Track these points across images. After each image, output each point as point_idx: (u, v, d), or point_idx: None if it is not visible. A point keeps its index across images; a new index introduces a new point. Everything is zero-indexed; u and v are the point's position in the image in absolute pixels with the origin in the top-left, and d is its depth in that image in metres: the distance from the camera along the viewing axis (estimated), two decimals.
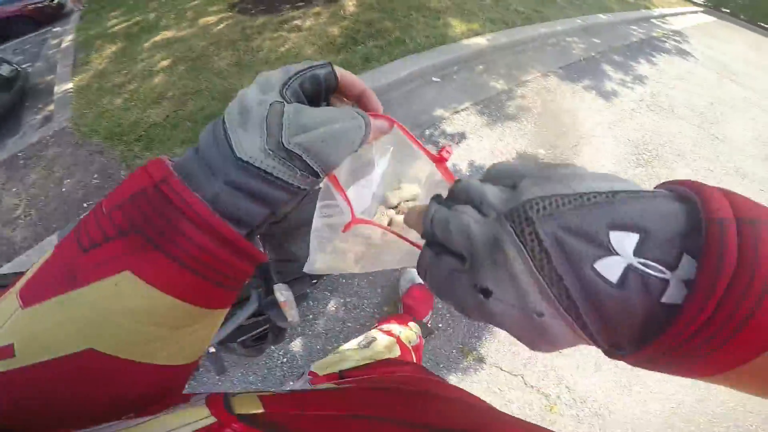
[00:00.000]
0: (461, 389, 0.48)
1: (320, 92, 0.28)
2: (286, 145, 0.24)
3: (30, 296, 0.22)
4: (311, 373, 0.66)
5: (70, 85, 3.76)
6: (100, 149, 2.79)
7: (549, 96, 3.10)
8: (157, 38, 4.11)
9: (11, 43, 7.21)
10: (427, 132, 2.58)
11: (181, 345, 0.26)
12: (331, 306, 1.68)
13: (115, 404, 0.24)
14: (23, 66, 4.63)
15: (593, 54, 3.87)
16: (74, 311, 0.22)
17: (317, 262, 0.35)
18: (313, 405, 0.31)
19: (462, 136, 2.59)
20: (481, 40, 3.38)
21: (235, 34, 3.68)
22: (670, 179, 0.21)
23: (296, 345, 1.60)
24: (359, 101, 0.32)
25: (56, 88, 3.83)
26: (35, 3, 7.85)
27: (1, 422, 0.21)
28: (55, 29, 7.12)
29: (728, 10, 7.49)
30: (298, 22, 3.69)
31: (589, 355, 1.60)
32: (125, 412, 0.25)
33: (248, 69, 3.15)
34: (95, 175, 2.61)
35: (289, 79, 0.26)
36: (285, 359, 1.55)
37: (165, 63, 3.50)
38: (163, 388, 0.27)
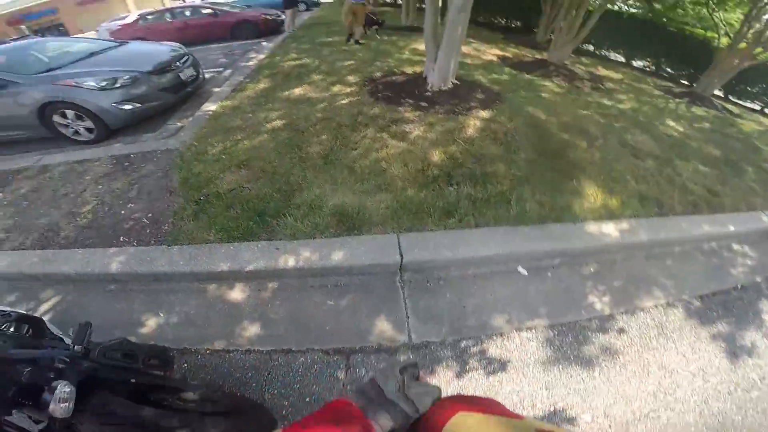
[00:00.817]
0: None
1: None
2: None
3: None
4: None
5: (214, 107, 4.20)
6: (173, 189, 2.86)
7: (653, 342, 1.95)
8: (295, 91, 4.32)
9: (234, 44, 9.12)
10: (463, 343, 1.84)
11: None
12: None
13: None
14: (205, 71, 5.58)
15: (758, 280, 2.40)
16: None
17: None
18: None
19: (501, 367, 1.77)
20: (610, 229, 2.45)
21: (346, 118, 3.54)
22: None
23: None
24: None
25: (204, 105, 4.35)
26: (268, 15, 9.82)
27: None
28: (263, 42, 8.69)
29: None
30: (407, 127, 3.34)
31: None
32: None
33: (328, 170, 2.85)
34: (149, 215, 2.65)
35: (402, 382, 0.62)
36: None
37: (277, 123, 3.56)
38: None
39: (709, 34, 7.88)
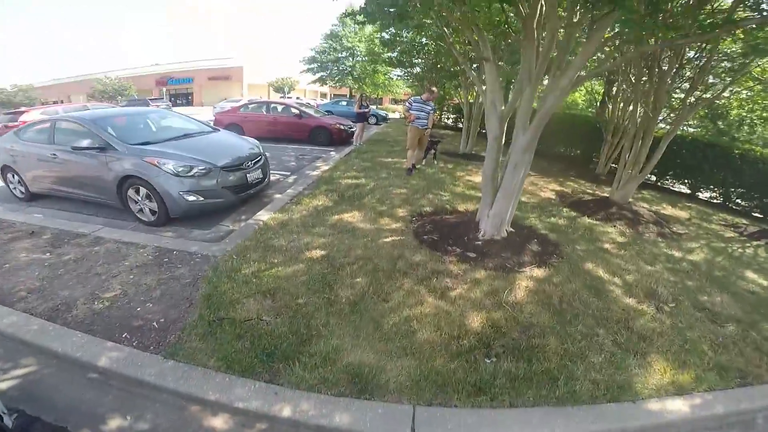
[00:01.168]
0: None
1: None
2: None
3: None
4: None
5: (266, 218, 4.35)
6: (194, 301, 2.78)
7: None
8: (344, 216, 4.38)
9: (308, 147, 10.04)
10: None
11: None
12: None
13: None
14: (273, 172, 6.10)
15: None
16: None
17: None
18: None
19: None
20: (678, 405, 2.12)
21: (386, 261, 3.36)
22: None
23: None
24: None
25: (259, 213, 4.55)
26: (342, 125, 10.98)
27: None
28: (332, 152, 9.54)
29: None
30: (449, 282, 3.10)
31: None
32: None
33: (353, 320, 2.60)
34: (161, 320, 2.57)
35: None
36: None
37: (317, 254, 3.49)
38: None
39: None
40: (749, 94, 5.81)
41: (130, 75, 40.29)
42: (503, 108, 3.48)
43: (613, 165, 9.04)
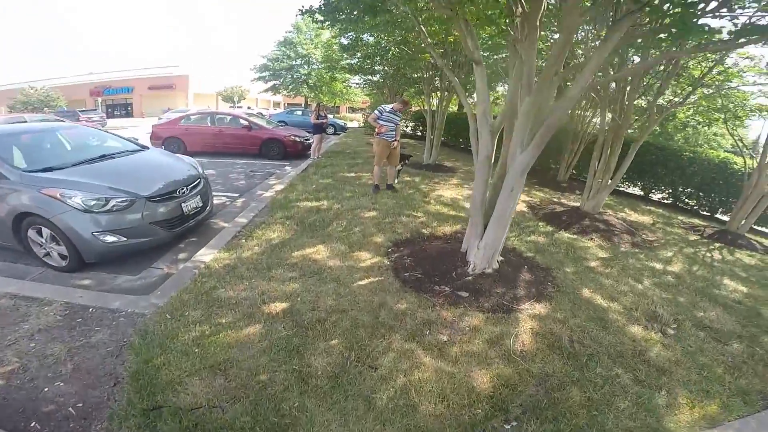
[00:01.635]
0: None
1: None
2: None
3: None
4: None
5: (208, 258, 3.55)
6: (120, 378, 2.10)
7: None
8: (306, 252, 3.68)
9: (259, 162, 9.10)
10: None
11: None
12: None
13: None
14: (218, 195, 5.23)
15: None
16: None
17: None
18: None
19: None
20: None
21: (366, 312, 2.73)
22: None
23: None
24: None
25: (200, 252, 3.73)
26: (297, 136, 10.16)
27: None
28: (287, 167, 8.71)
29: None
30: (445, 333, 2.55)
31: None
32: None
33: (336, 399, 2.00)
34: (79, 404, 1.94)
35: None
36: None
37: (277, 307, 2.77)
38: None
39: (724, 155, 7.60)
40: (694, 98, 6.09)
41: (61, 85, 36.43)
42: (494, 120, 2.97)
43: (574, 172, 9.25)
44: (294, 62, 29.62)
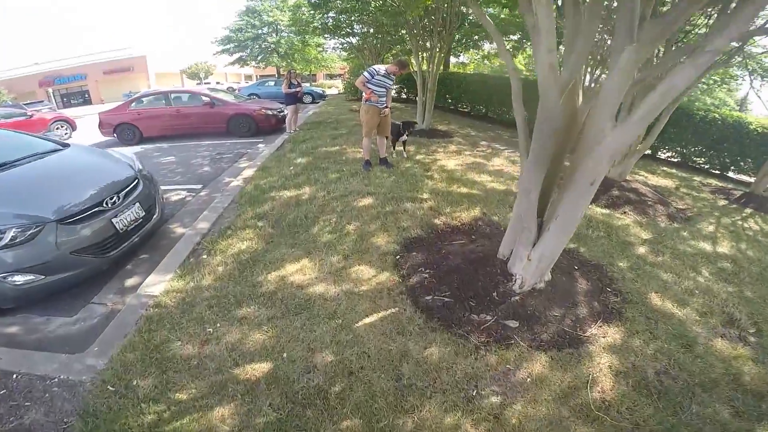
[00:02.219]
0: None
1: None
2: None
3: None
4: None
5: (160, 286, 2.64)
6: None
7: None
8: (286, 271, 2.74)
9: (228, 142, 7.84)
10: None
11: None
12: None
13: None
14: (178, 188, 4.22)
15: None
16: None
17: None
18: None
19: None
20: None
21: (382, 370, 1.91)
22: None
23: None
24: None
25: (147, 282, 2.76)
26: (268, 109, 8.90)
27: None
28: (260, 145, 7.55)
29: None
30: (496, 394, 1.75)
31: None
32: None
33: None
34: None
35: None
36: None
37: (257, 370, 1.91)
38: None
39: (738, 114, 7.54)
40: (739, 58, 5.61)
41: (7, 78, 33.37)
42: (563, 75, 1.91)
43: None
44: (260, 31, 27.25)
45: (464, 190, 4.37)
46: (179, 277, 2.76)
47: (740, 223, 4.55)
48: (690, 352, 2.18)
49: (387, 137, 5.21)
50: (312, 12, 10.81)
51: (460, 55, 15.92)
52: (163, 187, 4.89)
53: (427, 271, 2.57)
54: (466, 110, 11.99)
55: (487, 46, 13.41)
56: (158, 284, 2.70)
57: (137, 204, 3.15)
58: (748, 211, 5.06)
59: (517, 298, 2.28)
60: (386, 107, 4.75)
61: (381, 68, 4.59)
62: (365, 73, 4.57)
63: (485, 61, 15.63)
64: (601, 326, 2.26)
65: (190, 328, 2.23)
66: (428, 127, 8.11)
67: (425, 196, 4.08)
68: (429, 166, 5.30)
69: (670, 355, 2.13)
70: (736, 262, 3.37)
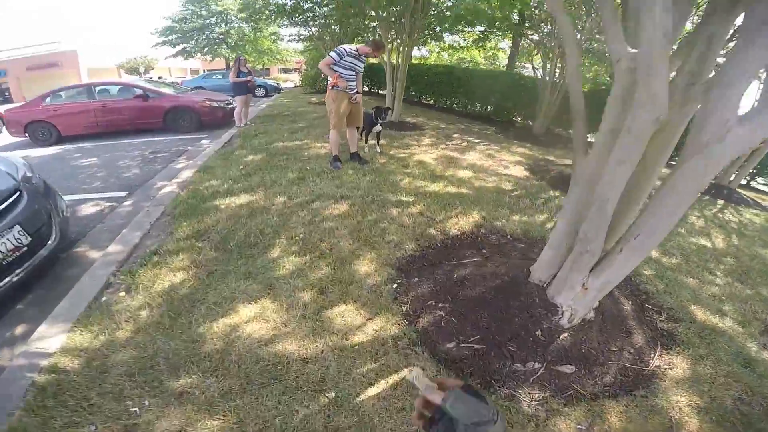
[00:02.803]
0: None
1: None
2: None
3: None
4: None
5: (56, 346, 1.78)
6: None
7: None
8: (243, 317, 1.94)
9: (165, 139, 6.75)
10: None
11: None
12: None
13: None
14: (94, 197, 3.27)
15: None
16: None
17: None
18: None
19: None
20: None
21: None
22: None
23: None
24: None
25: (39, 331, 1.88)
26: (214, 101, 7.81)
27: None
28: (204, 141, 6.53)
29: None
30: None
31: None
32: None
33: None
34: None
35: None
36: None
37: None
38: None
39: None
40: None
41: None
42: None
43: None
44: (207, 21, 25.15)
45: (452, 189, 3.77)
46: (84, 328, 1.90)
47: (721, 216, 4.40)
48: (751, 370, 1.85)
49: (358, 128, 4.48)
50: None
51: (420, 48, 15.52)
52: (75, 197, 3.86)
53: (441, 305, 1.91)
54: (430, 102, 11.55)
55: (448, 39, 13.01)
56: (55, 336, 1.85)
57: (16, 228, 2.22)
58: (720, 201, 5.01)
59: (566, 334, 1.71)
60: (357, 93, 4.02)
61: (351, 47, 3.84)
62: (332, 54, 3.80)
63: (445, 54, 15.31)
64: (661, 355, 1.84)
65: (105, 407, 1.45)
66: (398, 120, 7.49)
67: (410, 198, 3.42)
68: (406, 161, 4.66)
69: (738, 378, 1.78)
70: (739, 260, 3.16)
